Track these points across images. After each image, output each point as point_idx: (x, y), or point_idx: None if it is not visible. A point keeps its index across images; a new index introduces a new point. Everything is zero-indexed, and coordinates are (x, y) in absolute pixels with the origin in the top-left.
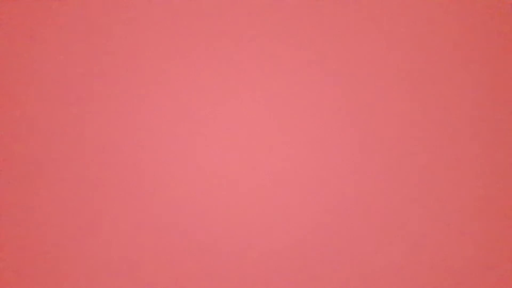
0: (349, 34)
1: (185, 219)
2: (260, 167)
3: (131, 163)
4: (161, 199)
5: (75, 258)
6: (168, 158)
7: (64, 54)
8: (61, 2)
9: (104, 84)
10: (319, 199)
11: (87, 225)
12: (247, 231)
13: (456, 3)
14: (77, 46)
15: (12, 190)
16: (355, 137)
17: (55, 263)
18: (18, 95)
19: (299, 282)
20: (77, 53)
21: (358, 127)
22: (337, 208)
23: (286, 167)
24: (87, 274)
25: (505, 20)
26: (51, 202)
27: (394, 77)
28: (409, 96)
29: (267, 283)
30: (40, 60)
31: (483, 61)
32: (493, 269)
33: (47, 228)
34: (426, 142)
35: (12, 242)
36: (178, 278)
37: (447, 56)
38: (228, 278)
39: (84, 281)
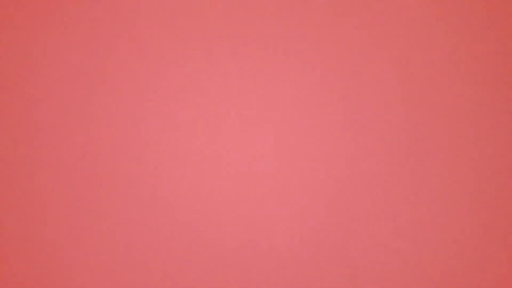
0: (347, 34)
1: (185, 218)
2: (260, 166)
3: (133, 162)
4: (162, 198)
5: (76, 257)
6: (170, 157)
7: (65, 54)
8: (63, 2)
9: (105, 85)
10: (318, 198)
11: (88, 225)
12: (247, 230)
13: (454, 3)
14: (78, 46)
15: (12, 190)
16: (355, 136)
17: (56, 262)
18: (18, 95)
19: (300, 279)
20: (78, 53)
21: (358, 126)
22: (336, 206)
23: (285, 166)
24: (89, 273)
25: (505, 20)
26: (52, 201)
27: (392, 78)
28: (407, 95)
29: (268, 281)
30: (41, 60)
31: (482, 61)
32: (493, 269)
33: (48, 228)
34: (424, 141)
35: (12, 242)
36: (178, 275)
37: (445, 56)
38: (229, 276)
39: (86, 280)
